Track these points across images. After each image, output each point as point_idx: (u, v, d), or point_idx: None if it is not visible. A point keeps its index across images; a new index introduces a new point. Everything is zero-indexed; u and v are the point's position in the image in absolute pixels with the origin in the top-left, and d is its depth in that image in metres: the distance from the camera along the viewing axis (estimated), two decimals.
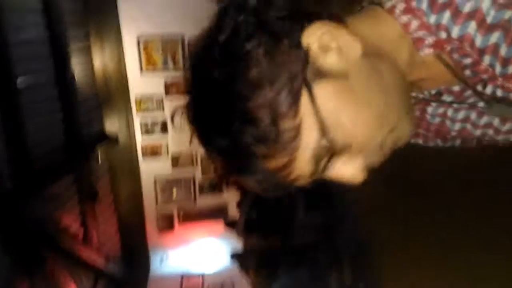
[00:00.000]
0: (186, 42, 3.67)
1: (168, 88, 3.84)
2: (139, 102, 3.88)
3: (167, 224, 4.14)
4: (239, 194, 3.63)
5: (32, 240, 2.36)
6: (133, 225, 4.03)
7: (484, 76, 0.59)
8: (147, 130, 3.93)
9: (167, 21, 3.68)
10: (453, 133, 0.72)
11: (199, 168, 4.02)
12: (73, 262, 2.87)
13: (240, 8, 0.55)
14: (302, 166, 0.56)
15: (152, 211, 4.11)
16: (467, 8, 0.54)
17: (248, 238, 2.17)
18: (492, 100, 0.63)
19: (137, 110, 3.88)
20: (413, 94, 0.68)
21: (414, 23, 0.59)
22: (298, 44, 0.54)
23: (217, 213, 4.12)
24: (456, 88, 0.65)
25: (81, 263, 3.00)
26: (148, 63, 3.78)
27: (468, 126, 0.70)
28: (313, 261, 1.98)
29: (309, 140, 0.54)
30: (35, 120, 2.62)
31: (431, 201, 1.98)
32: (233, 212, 4.00)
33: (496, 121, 0.67)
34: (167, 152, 3.99)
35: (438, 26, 0.57)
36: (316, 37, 0.55)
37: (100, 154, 3.68)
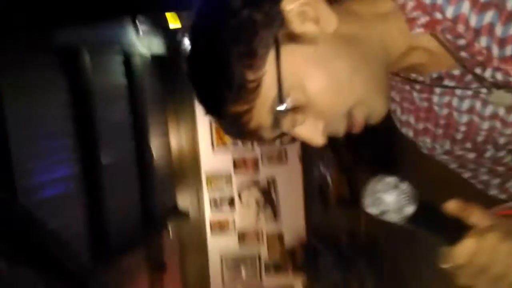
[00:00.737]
0: None
1: (236, 164, 4.04)
2: (209, 178, 4.08)
3: None
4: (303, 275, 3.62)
5: None
6: None
7: (480, 58, 0.60)
8: (215, 205, 4.09)
9: None
10: (462, 128, 0.72)
11: (265, 246, 4.06)
12: None
13: None
14: (261, 117, 0.61)
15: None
16: None
17: None
18: (493, 86, 0.64)
19: (207, 185, 4.08)
20: (413, 75, 0.70)
21: (410, 4, 0.62)
22: (277, 5, 0.59)
23: None
24: (456, 72, 0.65)
25: None
26: (219, 141, 4.02)
27: (475, 118, 0.69)
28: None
29: (267, 94, 0.59)
30: (115, 196, 2.85)
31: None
32: None
33: (501, 111, 0.67)
34: (234, 228, 4.09)
35: (433, 6, 0.59)
36: (298, 4, 0.59)
37: (171, 228, 3.86)
